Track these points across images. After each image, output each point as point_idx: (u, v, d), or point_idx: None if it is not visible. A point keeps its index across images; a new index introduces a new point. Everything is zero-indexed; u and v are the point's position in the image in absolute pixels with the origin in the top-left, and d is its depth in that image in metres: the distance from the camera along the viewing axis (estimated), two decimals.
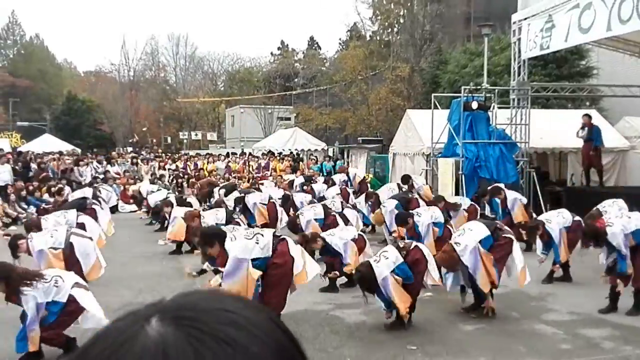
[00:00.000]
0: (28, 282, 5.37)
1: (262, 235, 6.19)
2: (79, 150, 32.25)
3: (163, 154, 32.50)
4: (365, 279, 6.27)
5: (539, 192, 14.33)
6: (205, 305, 0.63)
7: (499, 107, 15.80)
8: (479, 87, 15.34)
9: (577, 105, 21.61)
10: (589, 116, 14.51)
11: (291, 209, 12.78)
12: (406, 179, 14.09)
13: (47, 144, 31.31)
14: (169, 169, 25.32)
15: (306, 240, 7.69)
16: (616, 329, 6.46)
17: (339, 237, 7.94)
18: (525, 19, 14.14)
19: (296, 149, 29.22)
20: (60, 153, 24.33)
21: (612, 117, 18.46)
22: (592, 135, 14.15)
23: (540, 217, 9.05)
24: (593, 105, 20.89)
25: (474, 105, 14.23)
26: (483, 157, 14.18)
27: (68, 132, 48.44)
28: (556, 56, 20.20)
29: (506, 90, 16.13)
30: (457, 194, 13.89)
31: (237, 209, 11.97)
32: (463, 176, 14.19)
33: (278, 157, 25.95)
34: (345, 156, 27.50)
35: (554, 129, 15.77)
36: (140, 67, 58.05)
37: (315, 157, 26.84)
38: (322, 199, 13.20)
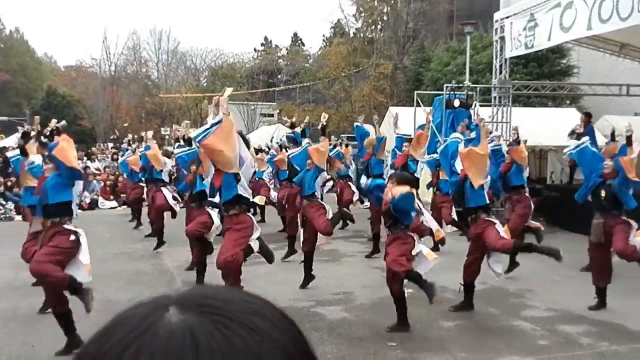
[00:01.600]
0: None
1: None
2: None
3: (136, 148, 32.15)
4: None
5: None
6: (226, 296, 0.63)
7: (481, 105, 15.87)
8: (461, 85, 15.41)
9: (557, 103, 21.83)
10: (587, 115, 14.63)
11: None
12: None
13: None
14: None
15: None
16: (593, 326, 6.54)
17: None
18: (508, 17, 14.23)
19: (280, 141, 29.14)
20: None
21: (592, 116, 18.65)
22: (584, 135, 14.24)
23: None
24: (573, 104, 21.12)
25: (456, 103, 14.29)
26: None
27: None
28: (537, 55, 20.35)
29: (488, 89, 16.23)
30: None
31: None
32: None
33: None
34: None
35: (534, 127, 15.89)
36: (121, 62, 57.40)
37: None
38: None
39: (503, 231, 6.79)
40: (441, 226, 9.44)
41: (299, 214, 8.59)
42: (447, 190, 9.66)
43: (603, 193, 6.93)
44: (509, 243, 6.68)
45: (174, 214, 11.13)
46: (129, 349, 0.56)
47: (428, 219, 8.08)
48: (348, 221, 12.17)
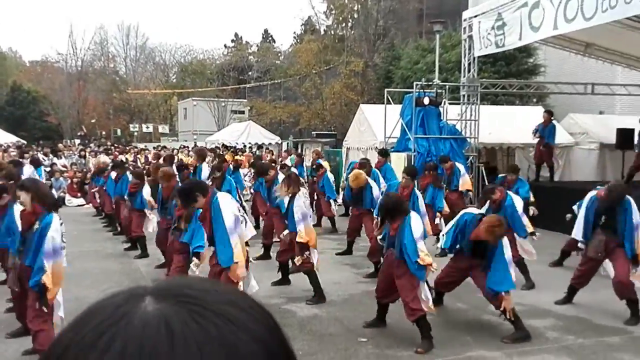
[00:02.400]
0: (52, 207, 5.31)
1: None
2: (24, 142, 31.23)
3: (112, 147, 31.76)
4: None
5: None
6: (202, 286, 0.63)
7: (450, 103, 16.08)
8: (430, 83, 15.57)
9: (524, 102, 22.22)
10: (549, 112, 14.91)
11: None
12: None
13: None
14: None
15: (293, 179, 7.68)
16: (559, 320, 6.69)
17: (305, 205, 7.55)
18: (476, 16, 14.40)
19: (250, 143, 29.06)
20: (8, 147, 23.53)
21: (558, 114, 18.98)
22: (545, 132, 14.56)
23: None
24: (540, 102, 21.52)
25: (426, 100, 14.43)
26: (434, 151, 14.41)
27: (13, 123, 46.88)
28: (505, 54, 20.66)
29: (457, 87, 16.43)
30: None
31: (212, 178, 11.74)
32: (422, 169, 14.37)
33: (232, 151, 25.72)
34: (300, 150, 27.49)
35: (502, 125, 16.18)
36: (88, 57, 56.61)
37: (272, 150, 26.74)
38: None
39: None
40: None
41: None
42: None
43: (603, 218, 6.93)
44: None
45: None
46: (103, 337, 0.56)
47: None
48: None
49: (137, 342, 0.55)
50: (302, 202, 7.44)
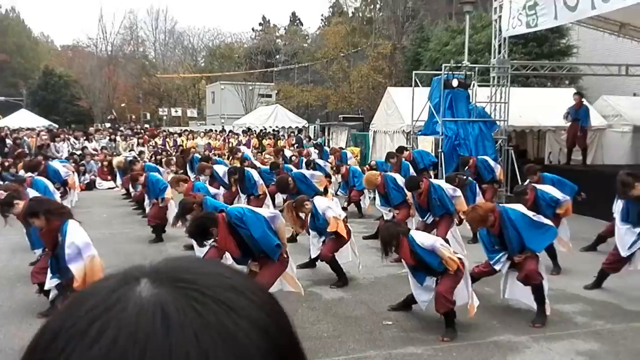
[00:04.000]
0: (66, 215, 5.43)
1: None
2: (56, 126, 31.78)
3: (142, 130, 32.13)
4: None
5: (517, 171, 14.44)
6: (202, 269, 0.60)
7: (479, 85, 15.82)
8: (459, 65, 15.31)
9: (556, 83, 21.74)
10: (580, 94, 14.60)
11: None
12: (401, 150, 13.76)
13: (24, 119, 30.87)
14: (148, 146, 25.06)
15: (295, 206, 7.53)
16: (588, 305, 6.58)
17: (328, 206, 7.54)
18: None
19: (276, 126, 29.08)
20: (39, 131, 23.98)
21: (591, 96, 18.59)
22: (579, 115, 14.27)
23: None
24: (572, 84, 21.02)
25: (454, 83, 14.23)
26: (462, 135, 14.24)
27: (45, 107, 47.70)
28: (537, 35, 20.23)
29: (486, 69, 16.14)
30: (436, 171, 13.96)
31: (232, 179, 11.78)
32: (442, 154, 14.23)
33: (257, 135, 25.83)
34: (326, 134, 27.43)
35: (533, 108, 15.86)
36: (118, 41, 57.04)
37: (298, 136, 26.70)
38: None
39: None
40: None
41: None
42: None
43: None
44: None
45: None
46: (94, 324, 0.53)
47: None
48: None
49: (130, 331, 0.52)
50: (324, 202, 7.58)
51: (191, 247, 8.95)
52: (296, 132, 27.94)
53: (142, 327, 0.52)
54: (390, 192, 9.51)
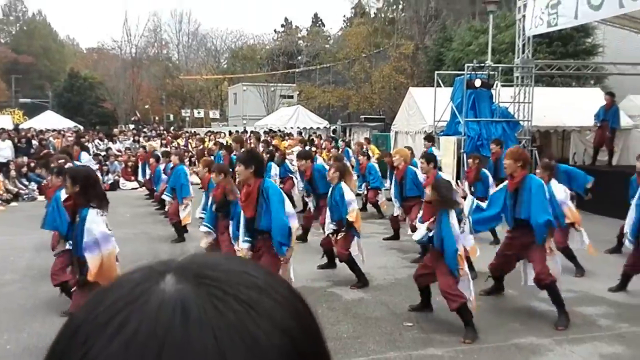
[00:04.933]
0: (101, 205, 5.35)
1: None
2: (81, 128, 32.23)
3: (165, 132, 32.43)
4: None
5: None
6: (227, 267, 0.59)
7: (503, 85, 15.67)
8: (483, 64, 15.18)
9: (581, 83, 21.43)
10: (611, 94, 14.36)
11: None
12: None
13: (50, 121, 31.37)
14: (171, 147, 25.26)
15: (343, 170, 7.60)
16: (612, 307, 6.47)
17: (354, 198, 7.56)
18: None
19: (298, 127, 29.11)
20: (64, 132, 24.35)
21: (617, 96, 18.24)
22: (608, 116, 14.04)
23: None
24: (598, 84, 20.72)
25: (477, 83, 14.11)
26: (485, 135, 14.10)
27: (70, 109, 48.42)
28: (562, 34, 19.97)
29: (510, 68, 15.98)
30: (458, 172, 13.85)
31: None
32: (465, 155, 14.11)
33: (280, 136, 25.87)
34: (348, 134, 27.39)
35: (557, 108, 15.65)
36: (142, 43, 57.70)
37: (320, 135, 26.68)
38: None
39: None
40: None
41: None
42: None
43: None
44: None
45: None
46: (116, 317, 0.53)
47: None
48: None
49: (150, 325, 0.52)
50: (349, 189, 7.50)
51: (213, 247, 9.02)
52: (326, 134, 27.80)
53: (161, 322, 0.52)
54: (407, 183, 9.47)
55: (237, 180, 6.72)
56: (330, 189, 7.62)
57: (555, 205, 6.94)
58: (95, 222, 5.23)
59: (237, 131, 30.51)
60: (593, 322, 6.02)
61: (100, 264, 5.24)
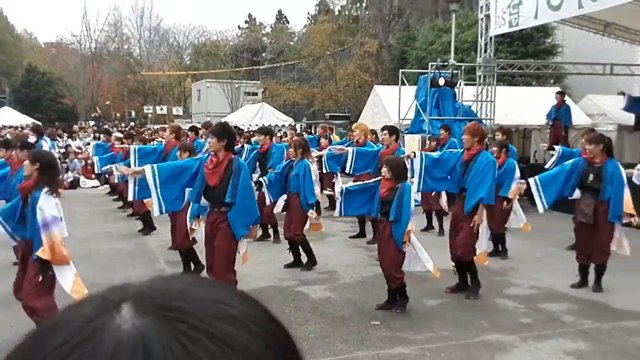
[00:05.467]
0: (54, 189, 5.18)
1: None
2: (40, 124, 31.39)
3: (127, 128, 31.82)
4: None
5: None
6: (195, 294, 0.51)
7: (465, 84, 15.85)
8: (446, 63, 15.33)
9: (541, 82, 21.86)
10: (562, 93, 14.70)
11: None
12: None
13: (7, 117, 30.51)
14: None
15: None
16: (575, 303, 6.59)
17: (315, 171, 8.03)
18: None
19: (263, 124, 28.91)
20: (22, 127, 23.66)
21: (576, 95, 18.71)
22: (560, 115, 14.36)
23: None
24: (557, 83, 21.15)
25: (441, 81, 14.24)
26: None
27: (28, 105, 47.13)
28: (522, 34, 20.32)
29: (473, 67, 16.17)
30: None
31: None
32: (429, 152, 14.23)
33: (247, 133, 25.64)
34: (313, 132, 27.35)
35: (518, 106, 15.92)
36: (102, 38, 56.47)
37: (284, 132, 26.56)
38: None
39: None
40: None
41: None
42: None
43: (591, 176, 6.86)
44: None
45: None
46: None
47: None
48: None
49: None
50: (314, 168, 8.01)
51: (175, 248, 8.86)
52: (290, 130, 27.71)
53: None
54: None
55: (207, 150, 6.77)
56: (292, 163, 7.86)
57: (509, 177, 7.30)
58: (47, 203, 5.08)
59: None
60: (557, 318, 6.11)
61: (51, 246, 5.09)
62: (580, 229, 7.12)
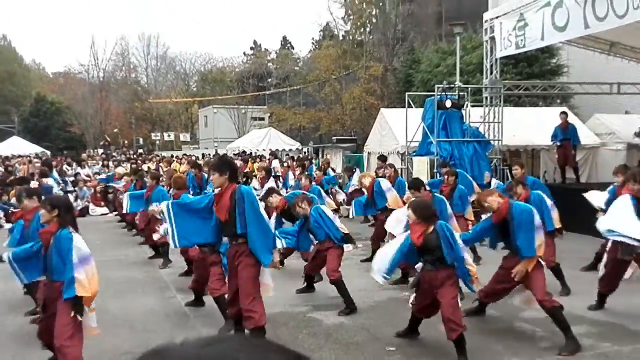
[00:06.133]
0: (76, 228, 5.21)
1: None
2: (48, 153, 31.63)
3: (135, 156, 32.01)
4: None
5: None
6: None
7: (472, 106, 15.88)
8: (452, 85, 15.38)
9: (548, 103, 21.87)
10: (565, 114, 14.69)
11: None
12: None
13: (16, 146, 30.77)
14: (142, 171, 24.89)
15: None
16: (594, 326, 6.47)
17: (329, 209, 7.73)
18: (497, 17, 14.21)
19: (270, 149, 29.04)
20: (32, 158, 23.84)
21: (584, 115, 18.69)
22: (569, 134, 14.34)
23: None
24: (564, 103, 21.16)
25: (448, 104, 14.26)
26: (457, 155, 14.23)
27: (37, 134, 47.58)
28: (527, 55, 20.38)
29: (479, 89, 16.21)
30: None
31: None
32: (438, 175, 14.19)
33: (252, 158, 25.74)
34: (320, 156, 27.39)
35: (526, 127, 15.92)
36: (110, 67, 57.27)
37: (292, 157, 26.61)
38: None
39: None
40: None
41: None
42: None
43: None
44: None
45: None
46: None
47: None
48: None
49: None
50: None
51: (186, 274, 8.82)
52: (291, 155, 27.81)
53: None
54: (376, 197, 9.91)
55: (213, 189, 6.71)
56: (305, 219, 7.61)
57: (546, 210, 7.08)
58: (80, 241, 5.11)
59: (209, 154, 30.31)
60: None
61: (91, 279, 5.07)
62: (616, 265, 6.81)
